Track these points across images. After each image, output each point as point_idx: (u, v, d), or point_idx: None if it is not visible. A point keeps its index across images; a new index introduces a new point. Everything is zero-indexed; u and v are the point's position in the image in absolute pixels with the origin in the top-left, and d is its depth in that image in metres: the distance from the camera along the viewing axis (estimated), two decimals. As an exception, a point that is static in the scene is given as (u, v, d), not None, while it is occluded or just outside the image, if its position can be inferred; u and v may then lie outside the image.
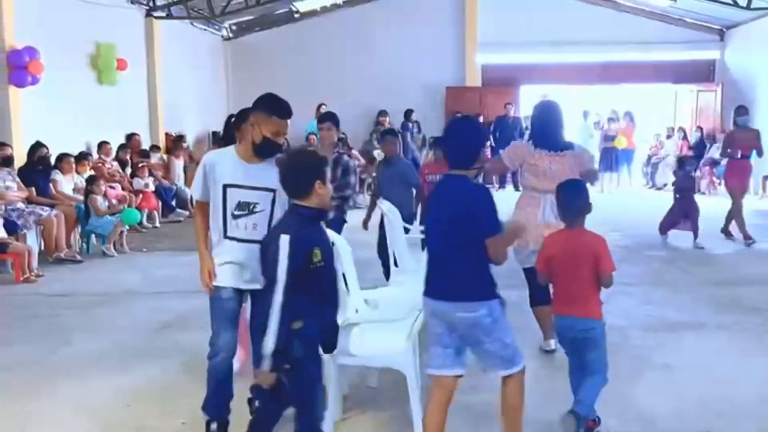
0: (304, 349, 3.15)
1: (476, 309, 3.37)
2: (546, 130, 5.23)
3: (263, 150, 3.76)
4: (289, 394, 3.19)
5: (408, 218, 6.55)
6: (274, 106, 3.76)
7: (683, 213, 9.67)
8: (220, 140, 4.32)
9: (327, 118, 6.28)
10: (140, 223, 11.36)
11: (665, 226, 9.88)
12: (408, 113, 16.90)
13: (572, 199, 3.97)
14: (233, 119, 4.37)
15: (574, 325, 3.87)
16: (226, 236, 3.81)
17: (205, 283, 3.85)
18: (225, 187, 3.78)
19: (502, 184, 15.95)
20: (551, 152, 5.14)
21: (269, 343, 3.04)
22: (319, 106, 15.43)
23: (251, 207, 3.78)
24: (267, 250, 3.18)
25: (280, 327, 3.05)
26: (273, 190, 3.77)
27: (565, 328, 3.94)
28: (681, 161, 10.42)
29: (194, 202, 4.06)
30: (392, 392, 4.50)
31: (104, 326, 6.41)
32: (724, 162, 15.41)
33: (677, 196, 9.86)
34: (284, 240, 3.09)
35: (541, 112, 5.38)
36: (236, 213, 3.78)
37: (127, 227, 10.05)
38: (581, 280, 3.84)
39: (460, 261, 3.39)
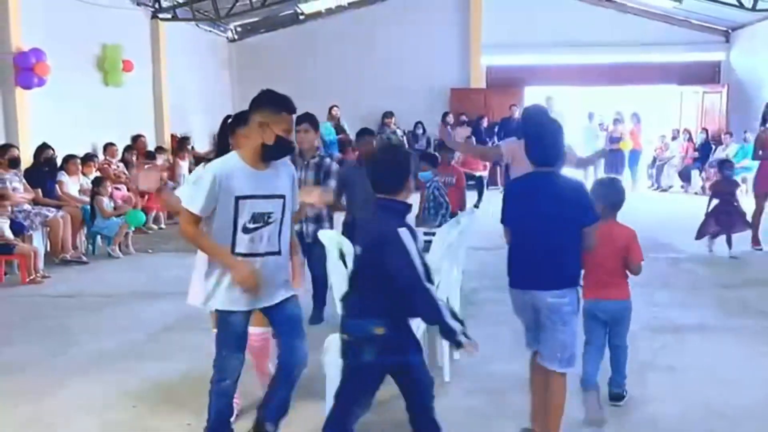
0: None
1: (564, 295, 3.61)
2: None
3: (278, 151, 3.51)
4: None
5: None
6: (281, 101, 3.51)
7: (723, 221, 9.00)
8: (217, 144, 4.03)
9: (304, 119, 5.73)
10: (145, 225, 11.39)
11: (702, 233, 9.17)
12: (445, 115, 16.89)
13: (609, 194, 4.31)
14: (230, 121, 4.01)
15: (609, 307, 4.26)
16: (234, 253, 3.53)
17: (253, 285, 3.51)
18: (237, 199, 3.47)
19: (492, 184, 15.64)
20: None
21: (457, 326, 3.14)
22: (330, 108, 15.44)
23: (266, 218, 3.52)
24: (383, 248, 3.13)
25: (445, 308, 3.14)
26: (283, 196, 3.59)
27: (600, 311, 4.26)
28: (721, 165, 9.77)
29: (184, 215, 3.59)
30: (397, 393, 4.49)
31: (110, 327, 6.43)
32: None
33: (716, 200, 9.14)
34: (405, 233, 3.11)
35: (531, 117, 5.89)
36: (250, 226, 3.50)
37: (133, 228, 10.08)
38: (613, 267, 4.21)
39: (556, 250, 3.61)
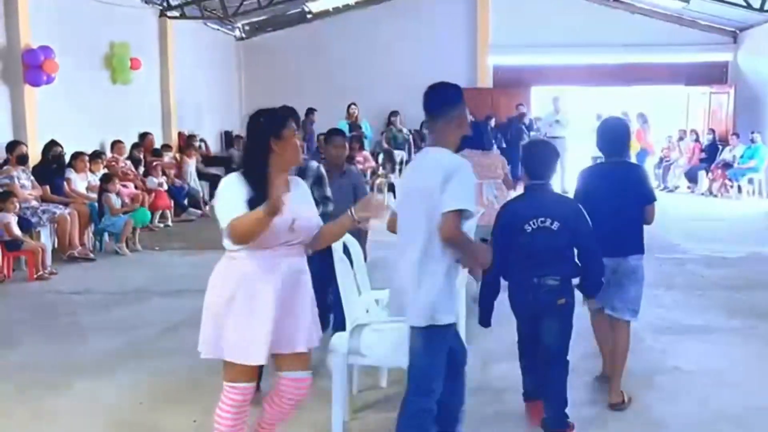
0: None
1: (639, 259, 4.46)
2: (480, 135, 6.94)
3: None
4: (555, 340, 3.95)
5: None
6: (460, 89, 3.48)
7: None
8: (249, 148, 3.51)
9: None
10: (152, 222, 11.46)
11: None
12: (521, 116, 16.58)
13: None
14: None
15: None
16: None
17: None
18: None
19: None
20: (481, 151, 6.81)
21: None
22: (348, 107, 15.46)
23: None
24: (577, 221, 3.93)
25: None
26: None
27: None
28: None
29: (456, 218, 3.19)
30: (402, 392, 4.51)
31: (117, 324, 6.46)
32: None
33: None
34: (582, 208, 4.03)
35: (474, 124, 7.08)
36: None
37: (140, 226, 10.11)
38: None
39: (630, 224, 4.43)
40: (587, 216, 3.95)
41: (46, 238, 8.91)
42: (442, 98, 3.42)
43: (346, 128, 15.07)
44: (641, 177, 4.63)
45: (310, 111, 14.57)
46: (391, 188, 14.48)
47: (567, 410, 3.97)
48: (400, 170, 15.10)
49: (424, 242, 3.23)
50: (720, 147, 16.50)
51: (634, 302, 4.46)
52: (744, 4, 14.16)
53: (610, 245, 4.25)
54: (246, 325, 3.15)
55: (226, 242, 3.19)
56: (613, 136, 4.60)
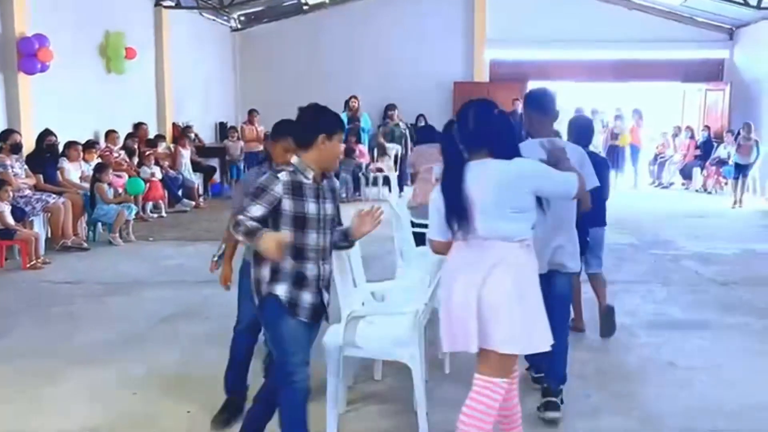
0: None
1: (603, 229, 5.68)
2: (431, 132, 7.67)
3: None
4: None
5: None
6: None
7: None
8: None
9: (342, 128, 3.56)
10: (145, 212, 11.43)
11: None
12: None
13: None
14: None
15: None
16: None
17: None
18: None
19: None
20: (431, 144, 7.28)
21: None
22: (348, 100, 15.37)
23: None
24: None
25: None
26: None
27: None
28: None
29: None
30: (397, 385, 4.52)
31: (111, 314, 6.43)
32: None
33: None
34: None
35: (425, 126, 8.21)
36: None
37: (133, 215, 10.06)
38: None
39: (598, 201, 5.01)
40: None
41: (39, 227, 8.86)
42: (554, 101, 4.30)
43: (345, 121, 15.10)
44: (601, 164, 5.42)
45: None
46: (386, 182, 14.48)
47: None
48: (396, 164, 15.04)
49: (566, 206, 4.05)
50: (715, 144, 16.52)
51: (600, 259, 5.74)
52: (741, 1, 14.17)
53: (590, 217, 4.99)
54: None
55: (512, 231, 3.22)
56: (581, 130, 5.57)
